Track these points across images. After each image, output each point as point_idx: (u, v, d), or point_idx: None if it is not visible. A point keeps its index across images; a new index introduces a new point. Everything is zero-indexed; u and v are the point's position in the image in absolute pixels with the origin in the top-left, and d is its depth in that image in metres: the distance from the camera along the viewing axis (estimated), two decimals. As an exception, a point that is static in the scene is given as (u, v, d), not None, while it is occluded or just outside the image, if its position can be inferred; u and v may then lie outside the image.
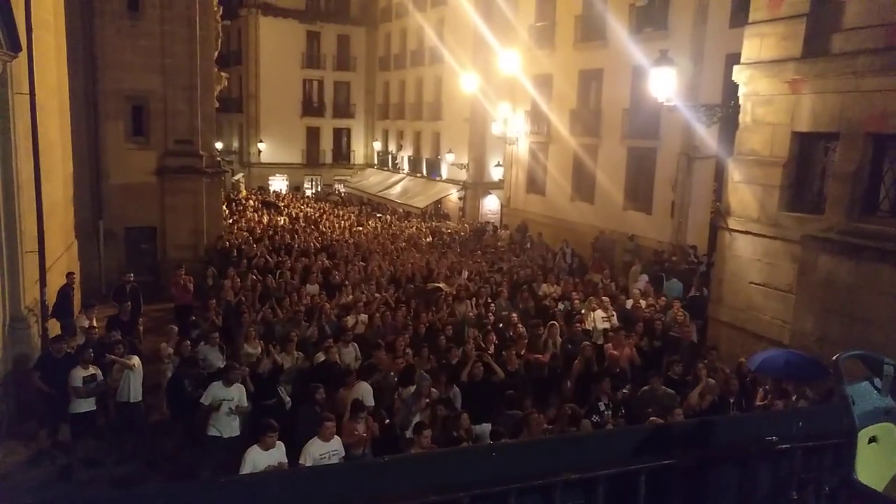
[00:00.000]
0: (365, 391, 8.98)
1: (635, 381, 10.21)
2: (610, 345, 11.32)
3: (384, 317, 12.31)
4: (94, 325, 12.23)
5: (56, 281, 13.04)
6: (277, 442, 7.10)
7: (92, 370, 9.49)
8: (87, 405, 9.43)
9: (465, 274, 16.74)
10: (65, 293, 12.47)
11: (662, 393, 9.21)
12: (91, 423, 9.58)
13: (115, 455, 9.76)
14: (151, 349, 11.96)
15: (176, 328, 11.45)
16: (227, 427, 8.71)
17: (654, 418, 7.73)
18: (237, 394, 8.70)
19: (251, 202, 32.90)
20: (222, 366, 9.77)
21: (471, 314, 13.16)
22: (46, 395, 9.64)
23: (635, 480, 2.78)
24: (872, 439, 2.70)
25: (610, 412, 8.71)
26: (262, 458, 6.93)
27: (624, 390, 9.67)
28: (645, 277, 17.16)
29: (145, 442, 9.98)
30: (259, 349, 10.26)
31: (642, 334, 11.96)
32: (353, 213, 32.04)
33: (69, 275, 12.88)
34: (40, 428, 9.88)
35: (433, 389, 9.06)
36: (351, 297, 13.72)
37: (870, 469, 2.67)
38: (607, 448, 2.95)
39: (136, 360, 10.01)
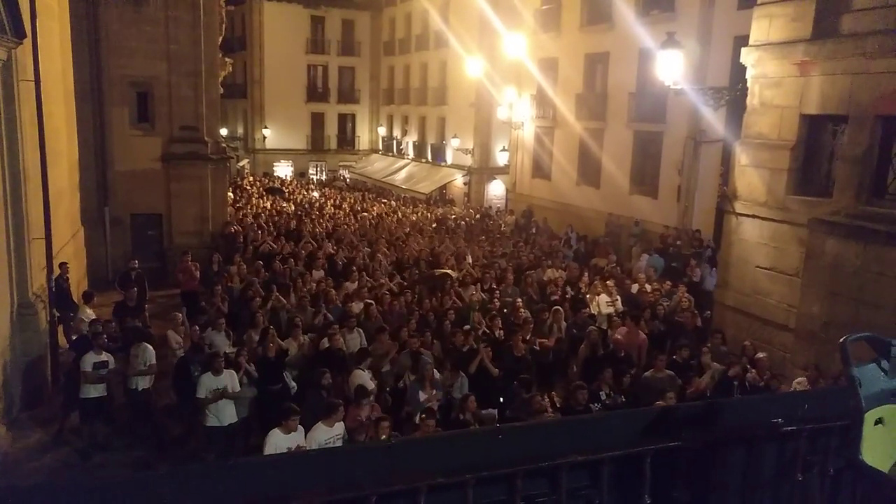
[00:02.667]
0: (360, 378, 8.98)
1: (643, 365, 10.26)
2: (624, 328, 11.31)
3: (392, 304, 12.32)
4: (95, 316, 12.30)
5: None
6: (298, 426, 7.25)
7: (104, 356, 9.58)
8: (96, 391, 9.51)
9: (470, 259, 16.72)
10: (58, 284, 12.53)
11: (664, 376, 9.24)
12: (101, 409, 9.67)
13: (124, 440, 9.88)
14: (158, 335, 12.02)
15: (180, 315, 11.51)
16: (225, 414, 8.81)
17: (659, 402, 7.76)
18: (228, 380, 8.80)
19: (255, 189, 32.88)
20: (229, 351, 9.83)
21: (476, 299, 13.17)
22: (74, 380, 9.73)
23: (641, 462, 2.79)
24: (879, 421, 2.69)
25: (610, 401, 8.73)
26: (283, 441, 7.09)
27: (627, 377, 9.66)
28: (645, 257, 17.22)
29: (154, 427, 10.07)
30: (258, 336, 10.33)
31: (649, 319, 11.98)
32: (357, 198, 32.00)
33: (62, 265, 12.92)
34: (66, 410, 10.02)
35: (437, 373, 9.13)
36: (356, 283, 13.73)
37: (876, 451, 2.67)
38: (613, 430, 2.96)
39: (149, 349, 10.10)
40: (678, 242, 18.74)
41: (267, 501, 2.33)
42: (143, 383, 9.81)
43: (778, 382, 9.47)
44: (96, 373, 9.44)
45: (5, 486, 2.27)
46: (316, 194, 32.84)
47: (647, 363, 10.37)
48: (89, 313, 12.11)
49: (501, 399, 9.42)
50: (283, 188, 33.84)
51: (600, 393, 8.83)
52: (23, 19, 10.47)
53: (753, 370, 9.40)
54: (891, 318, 9.61)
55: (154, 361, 9.92)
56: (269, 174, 42.67)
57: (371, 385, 8.91)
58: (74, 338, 10.98)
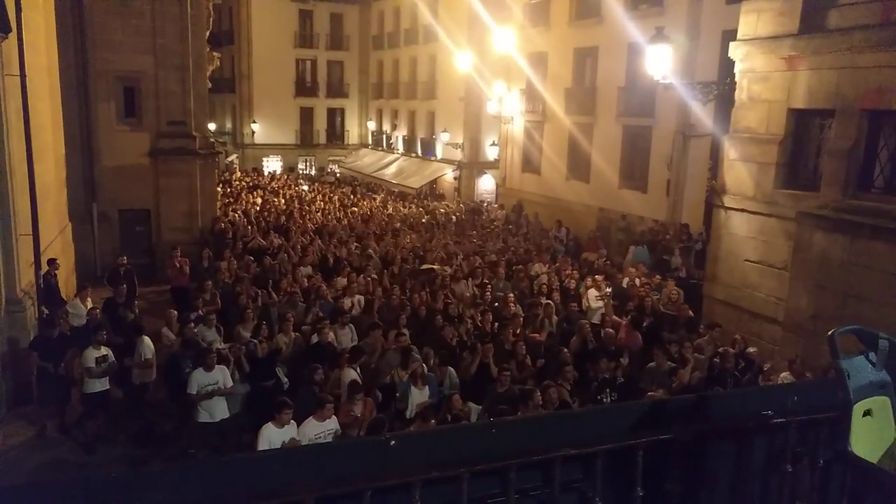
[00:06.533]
0: (351, 377, 8.82)
1: (635, 360, 10.32)
2: (623, 327, 11.38)
3: (381, 299, 12.32)
4: (92, 305, 12.26)
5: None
6: (291, 420, 7.26)
7: (104, 351, 9.58)
8: (100, 385, 9.58)
9: (461, 255, 16.70)
10: (47, 281, 12.44)
11: (667, 369, 9.32)
12: (104, 402, 9.72)
13: (117, 435, 9.86)
14: (152, 332, 11.97)
15: (175, 312, 11.47)
16: (217, 409, 8.80)
17: (651, 393, 7.82)
18: (220, 376, 8.79)
19: (241, 184, 32.67)
20: (220, 346, 9.81)
21: (467, 294, 13.18)
22: (47, 376, 9.70)
23: (633, 455, 2.81)
24: (867, 413, 2.73)
25: (608, 390, 8.78)
26: (276, 435, 7.08)
27: (617, 372, 9.71)
28: (632, 249, 17.35)
29: (145, 422, 10.05)
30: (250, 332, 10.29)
31: (632, 311, 12.08)
32: (347, 194, 31.88)
33: (51, 261, 12.84)
34: (42, 410, 9.98)
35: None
36: (346, 279, 13.69)
37: (864, 442, 2.71)
38: (606, 423, 2.98)
39: (148, 341, 10.07)
40: (667, 236, 18.82)
41: (261, 497, 2.33)
42: (142, 377, 9.79)
43: (767, 375, 9.56)
44: (99, 368, 9.47)
45: (-2, 485, 2.25)
46: (305, 188, 32.71)
47: (639, 361, 10.43)
48: (82, 307, 12.00)
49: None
50: (271, 183, 33.60)
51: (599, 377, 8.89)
52: (7, 13, 10.37)
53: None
54: (877, 311, 9.71)
55: (149, 356, 9.96)
56: (257, 169, 42.43)
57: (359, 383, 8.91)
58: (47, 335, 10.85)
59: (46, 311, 11.95)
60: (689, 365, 9.49)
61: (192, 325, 10.44)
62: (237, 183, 32.82)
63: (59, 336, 10.08)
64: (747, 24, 12.26)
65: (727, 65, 13.67)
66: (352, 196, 30.61)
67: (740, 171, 12.56)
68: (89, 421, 9.72)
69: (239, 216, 21.49)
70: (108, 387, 9.69)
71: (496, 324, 11.46)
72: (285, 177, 38.70)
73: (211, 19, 21.39)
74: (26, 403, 10.79)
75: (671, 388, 8.90)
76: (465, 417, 8.13)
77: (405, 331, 10.27)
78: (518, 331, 10.86)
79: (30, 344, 10.48)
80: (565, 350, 9.83)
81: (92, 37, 17.85)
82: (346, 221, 21.91)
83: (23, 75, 11.16)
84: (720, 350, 9.95)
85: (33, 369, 10.10)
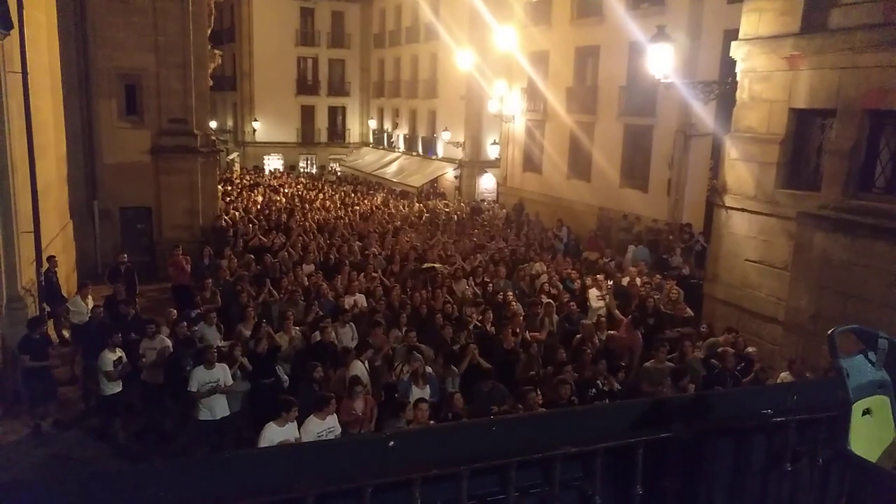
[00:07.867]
0: (359, 369, 9.01)
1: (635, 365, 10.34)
2: (624, 326, 11.39)
3: (382, 297, 12.32)
4: (94, 303, 12.28)
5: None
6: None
7: (119, 353, 9.61)
8: (116, 387, 9.62)
9: (459, 254, 16.68)
10: (48, 278, 12.45)
11: (664, 367, 9.32)
12: (119, 404, 9.76)
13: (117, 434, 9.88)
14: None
15: (175, 310, 11.47)
16: (218, 408, 8.81)
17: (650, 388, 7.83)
18: (221, 374, 8.79)
19: (243, 182, 32.67)
20: (220, 344, 9.81)
21: (468, 293, 13.18)
22: (34, 375, 9.71)
23: (633, 453, 2.82)
24: (866, 412, 2.74)
25: (606, 389, 8.79)
26: (278, 435, 7.10)
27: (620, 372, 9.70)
28: (631, 248, 17.41)
29: (153, 420, 10.06)
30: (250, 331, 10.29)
31: (634, 311, 12.08)
32: (348, 192, 31.85)
33: (50, 258, 12.84)
34: (33, 408, 10.01)
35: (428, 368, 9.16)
36: (347, 278, 13.68)
37: (863, 441, 2.72)
38: (606, 422, 2.99)
39: (166, 341, 10.09)
40: (670, 237, 18.81)
41: (263, 494, 2.34)
42: (158, 377, 9.81)
43: (766, 375, 9.57)
44: (116, 370, 9.51)
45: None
46: (304, 188, 32.72)
47: (639, 362, 10.43)
48: (83, 304, 12.02)
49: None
50: (273, 181, 33.60)
51: (597, 382, 8.89)
52: (9, 10, 10.38)
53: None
54: (877, 311, 9.72)
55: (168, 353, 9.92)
56: (258, 167, 42.43)
57: (366, 378, 8.94)
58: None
59: (48, 308, 11.97)
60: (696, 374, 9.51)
61: (188, 323, 10.43)
62: (238, 181, 32.85)
63: (41, 336, 10.06)
64: (749, 24, 12.25)
65: (728, 64, 13.66)
66: (353, 195, 30.59)
67: (741, 171, 12.56)
68: (114, 422, 9.79)
69: (240, 214, 21.50)
70: (121, 388, 9.71)
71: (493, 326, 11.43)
72: (285, 175, 38.69)
73: (212, 17, 21.39)
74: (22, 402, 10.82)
75: (674, 386, 8.89)
76: (465, 417, 8.15)
77: (412, 334, 10.28)
78: (517, 329, 10.86)
79: (17, 346, 10.48)
80: (588, 350, 9.80)
81: (93, 34, 17.86)
82: (347, 220, 21.90)
83: (24, 72, 11.18)
84: (719, 350, 9.95)
85: (21, 370, 10.09)
